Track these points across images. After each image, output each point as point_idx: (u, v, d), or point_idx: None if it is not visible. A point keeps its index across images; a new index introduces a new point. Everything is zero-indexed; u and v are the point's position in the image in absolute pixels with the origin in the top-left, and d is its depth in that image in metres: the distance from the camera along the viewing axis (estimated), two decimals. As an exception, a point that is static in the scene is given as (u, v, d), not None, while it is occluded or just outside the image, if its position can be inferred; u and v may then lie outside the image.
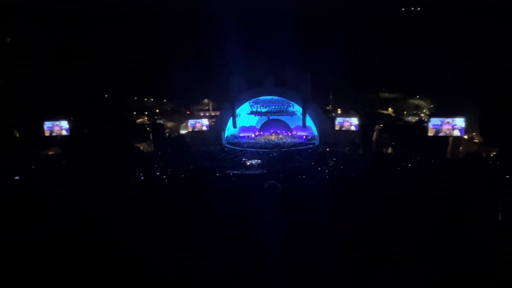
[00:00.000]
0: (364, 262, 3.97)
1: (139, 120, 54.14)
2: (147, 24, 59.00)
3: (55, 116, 39.44)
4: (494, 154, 32.02)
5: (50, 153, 37.17)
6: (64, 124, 39.30)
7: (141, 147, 41.11)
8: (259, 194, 5.44)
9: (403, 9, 67.34)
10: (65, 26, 53.22)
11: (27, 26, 49.70)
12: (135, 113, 55.53)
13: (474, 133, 38.37)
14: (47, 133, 39.21)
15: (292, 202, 5.42)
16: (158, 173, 23.73)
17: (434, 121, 34.45)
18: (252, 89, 44.69)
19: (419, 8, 65.84)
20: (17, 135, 40.44)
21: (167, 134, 47.63)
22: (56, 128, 39.23)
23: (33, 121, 39.42)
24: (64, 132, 39.26)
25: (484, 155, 32.69)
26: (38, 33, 48.21)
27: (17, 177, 9.78)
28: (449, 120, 33.19)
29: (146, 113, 56.77)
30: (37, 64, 44.85)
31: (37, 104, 41.12)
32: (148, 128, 46.70)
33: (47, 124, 39.21)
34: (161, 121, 52.50)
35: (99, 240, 3.84)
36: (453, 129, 33.26)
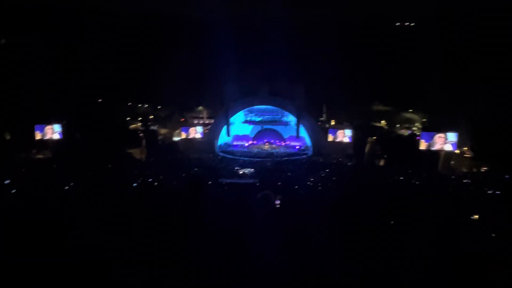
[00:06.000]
0: (363, 270, 3.97)
1: (132, 126, 53.89)
2: (143, 30, 59.13)
3: (48, 119, 39.00)
4: (484, 170, 32.35)
5: (41, 156, 36.74)
6: (57, 127, 38.88)
7: (133, 153, 40.85)
8: (254, 204, 5.44)
9: (397, 23, 68.45)
10: (60, 29, 53.14)
11: (21, 28, 49.53)
12: (128, 118, 55.28)
13: (466, 148, 38.76)
14: (38, 136, 38.74)
15: (287, 211, 5.43)
16: (150, 180, 23.55)
17: (426, 135, 34.74)
18: (247, 98, 44.81)
19: (413, 24, 66.96)
20: (8, 138, 39.97)
21: (160, 141, 47.42)
22: (48, 131, 38.76)
23: (24, 124, 38.96)
24: (56, 136, 38.84)
25: (475, 170, 33.08)
26: (32, 35, 48.02)
27: (7, 181, 9.65)
28: (442, 134, 33.45)
29: (140, 119, 56.56)
30: (30, 66, 44.59)
31: (29, 106, 40.76)
32: (141, 134, 46.47)
33: (39, 127, 38.72)
34: (155, 128, 52.32)
35: (96, 249, 3.80)
36: (445, 143, 33.53)
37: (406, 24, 68.54)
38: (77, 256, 3.75)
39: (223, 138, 45.71)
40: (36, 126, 38.63)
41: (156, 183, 21.27)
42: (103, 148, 33.82)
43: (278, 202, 5.83)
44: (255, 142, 46.83)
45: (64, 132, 39.15)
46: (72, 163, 24.83)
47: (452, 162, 35.26)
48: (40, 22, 51.85)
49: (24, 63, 44.48)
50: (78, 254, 3.77)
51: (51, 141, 38.73)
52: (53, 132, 38.86)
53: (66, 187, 8.91)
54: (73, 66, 49.22)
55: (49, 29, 51.28)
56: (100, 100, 53.98)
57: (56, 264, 3.56)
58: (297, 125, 43.95)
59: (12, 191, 7.96)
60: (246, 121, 46.46)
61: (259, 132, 47.56)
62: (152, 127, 52.52)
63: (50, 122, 38.87)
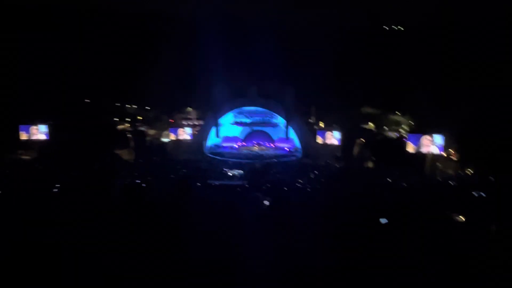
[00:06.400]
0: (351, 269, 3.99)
1: (120, 127, 53.36)
2: (132, 30, 58.69)
3: (34, 120, 38.36)
4: (470, 172, 32.87)
5: (26, 157, 36.09)
6: (42, 128, 38.25)
7: (121, 154, 40.43)
8: (243, 206, 5.43)
9: (385, 27, 69.25)
10: (44, 30, 52.40)
11: (7, 27, 48.75)
12: (116, 119, 54.73)
13: (452, 150, 39.31)
14: (24, 137, 38.05)
15: (275, 213, 5.43)
16: (138, 181, 23.32)
17: (413, 137, 35.11)
18: (236, 100, 44.80)
19: (401, 28, 67.84)
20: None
21: (149, 142, 47.06)
22: (33, 132, 38.11)
23: (9, 124, 38.24)
24: (42, 136, 38.23)
25: (460, 172, 33.57)
26: (19, 35, 47.29)
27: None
28: (428, 137, 33.85)
29: (128, 119, 56.03)
30: (15, 66, 43.88)
31: (14, 106, 40.09)
32: (129, 135, 46.05)
33: (24, 128, 38.02)
34: (143, 129, 51.91)
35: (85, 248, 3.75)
36: (432, 146, 33.95)
37: (394, 28, 69.41)
38: (64, 258, 3.69)
39: (212, 140, 45.59)
40: (21, 127, 37.96)
41: (144, 185, 21.09)
42: (90, 149, 33.39)
43: (267, 203, 5.84)
44: (244, 143, 46.79)
45: (50, 133, 38.55)
46: (58, 164, 24.47)
47: (438, 164, 35.72)
48: (24, 24, 51.09)
49: (7, 63, 43.74)
50: (63, 255, 3.71)
51: (36, 141, 38.09)
52: (39, 132, 38.25)
53: (52, 189, 8.77)
54: (59, 66, 48.56)
55: (33, 29, 50.54)
56: (88, 100, 53.36)
57: (42, 265, 3.50)
58: (286, 126, 44.09)
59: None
60: (235, 123, 46.45)
61: (248, 134, 47.56)
62: (140, 128, 52.08)
63: (35, 122, 38.25)
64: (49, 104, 42.30)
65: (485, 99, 37.38)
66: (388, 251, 4.74)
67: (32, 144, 38.00)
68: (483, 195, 11.37)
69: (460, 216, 8.78)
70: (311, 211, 6.91)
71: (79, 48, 51.19)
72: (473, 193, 12.79)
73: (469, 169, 33.64)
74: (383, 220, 6.42)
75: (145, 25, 60.47)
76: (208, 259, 4.05)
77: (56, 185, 8.49)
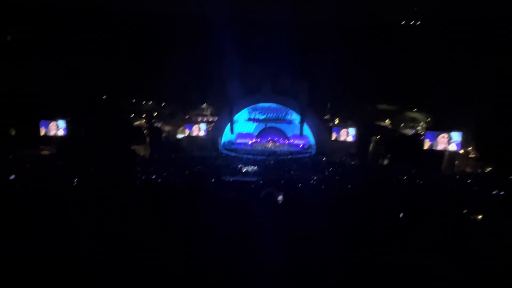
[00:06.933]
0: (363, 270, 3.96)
1: (136, 123, 54.08)
2: (148, 28, 59.28)
3: (52, 115, 39.16)
4: (489, 170, 32.21)
5: (45, 152, 36.93)
6: (61, 123, 39.04)
7: (137, 150, 40.99)
8: (257, 202, 5.44)
9: (403, 22, 68.13)
10: (64, 26, 53.37)
11: (26, 25, 49.77)
12: (133, 115, 55.51)
13: (470, 148, 38.58)
14: (43, 132, 38.93)
15: (290, 210, 5.41)
16: (153, 177, 23.62)
17: (431, 135, 34.54)
18: (251, 96, 44.80)
19: (418, 23, 66.63)
20: (13, 133, 40.20)
21: (164, 138, 47.56)
22: (52, 127, 38.94)
23: (29, 120, 39.14)
24: (61, 132, 39.04)
25: (479, 170, 32.92)
26: (37, 32, 48.23)
27: (12, 176, 9.69)
28: (446, 134, 33.23)
29: (144, 116, 56.76)
30: (35, 62, 44.80)
31: (34, 102, 40.97)
32: (145, 131, 46.63)
33: (43, 123, 38.89)
34: (159, 125, 52.52)
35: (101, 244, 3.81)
36: (449, 143, 33.31)
37: (411, 23, 68.23)
38: (78, 253, 3.76)
39: (226, 136, 45.74)
40: (41, 122, 38.82)
41: (159, 180, 21.33)
42: (106, 144, 33.93)
43: (280, 198, 5.82)
44: (258, 140, 46.82)
45: (68, 128, 39.33)
46: (76, 159, 24.95)
47: (457, 162, 35.08)
48: (44, 18, 52.07)
49: (29, 60, 44.69)
50: (79, 250, 3.78)
51: (55, 137, 38.91)
52: (58, 128, 39.05)
53: (70, 183, 8.94)
54: (77, 63, 49.40)
55: (54, 26, 51.51)
56: (105, 96, 54.19)
57: (58, 261, 3.56)
58: (301, 123, 43.90)
59: (16, 187, 8.00)
60: (250, 119, 46.49)
61: (262, 130, 47.56)
62: (156, 124, 52.70)
63: (54, 118, 39.05)
64: (68, 101, 43.11)
65: (504, 95, 36.48)
66: (402, 249, 4.68)
67: (51, 139, 38.84)
68: (502, 193, 11.14)
69: (478, 216, 8.60)
70: (325, 208, 6.87)
71: (98, 46, 51.95)
72: (492, 192, 12.52)
73: (488, 167, 32.97)
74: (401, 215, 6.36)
75: (160, 23, 60.96)
76: (219, 257, 4.06)
77: (73, 180, 8.66)
